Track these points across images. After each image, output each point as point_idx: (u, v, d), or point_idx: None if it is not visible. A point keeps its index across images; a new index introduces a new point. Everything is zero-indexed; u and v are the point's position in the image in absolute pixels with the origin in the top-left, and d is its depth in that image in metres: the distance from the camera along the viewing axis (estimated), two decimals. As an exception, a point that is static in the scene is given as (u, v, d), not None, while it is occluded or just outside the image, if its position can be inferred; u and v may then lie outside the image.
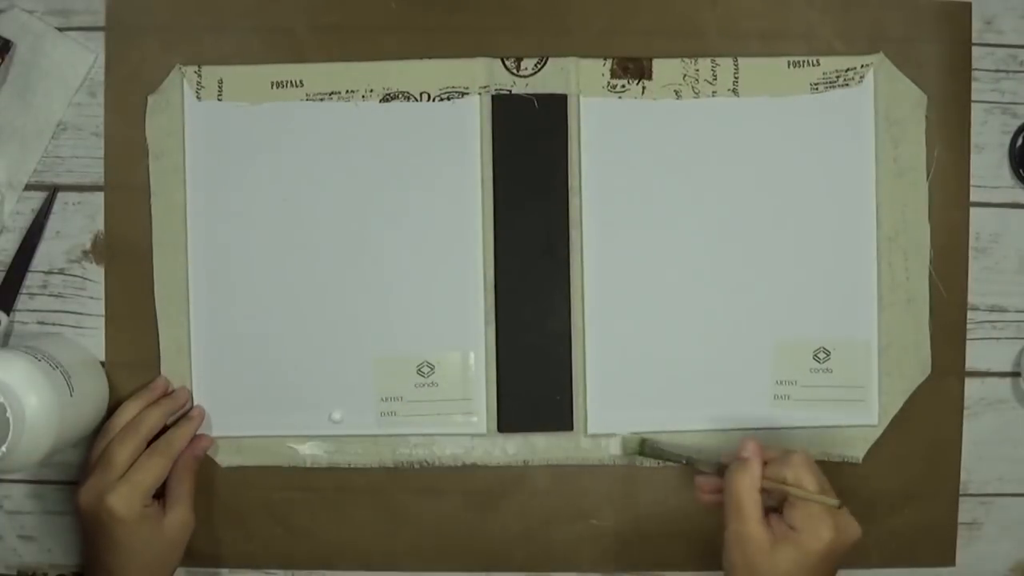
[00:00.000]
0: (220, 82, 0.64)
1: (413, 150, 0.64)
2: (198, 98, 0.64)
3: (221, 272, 0.65)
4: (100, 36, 0.64)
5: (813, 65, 0.64)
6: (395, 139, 0.64)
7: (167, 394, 0.64)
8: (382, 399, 0.65)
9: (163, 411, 0.63)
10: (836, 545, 0.54)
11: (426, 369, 0.65)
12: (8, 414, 0.55)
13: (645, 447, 0.63)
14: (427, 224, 0.64)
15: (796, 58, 0.64)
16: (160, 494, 0.61)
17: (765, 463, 0.56)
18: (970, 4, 0.65)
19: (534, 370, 0.64)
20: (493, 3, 0.64)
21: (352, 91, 0.64)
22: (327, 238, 0.64)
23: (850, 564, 0.65)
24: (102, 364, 0.65)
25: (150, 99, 0.64)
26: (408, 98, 0.64)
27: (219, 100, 0.64)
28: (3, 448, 0.55)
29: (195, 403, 0.65)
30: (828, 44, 0.64)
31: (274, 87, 0.64)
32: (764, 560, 0.54)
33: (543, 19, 0.64)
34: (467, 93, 0.64)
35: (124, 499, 0.58)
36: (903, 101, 0.64)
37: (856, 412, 0.64)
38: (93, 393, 0.63)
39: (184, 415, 0.64)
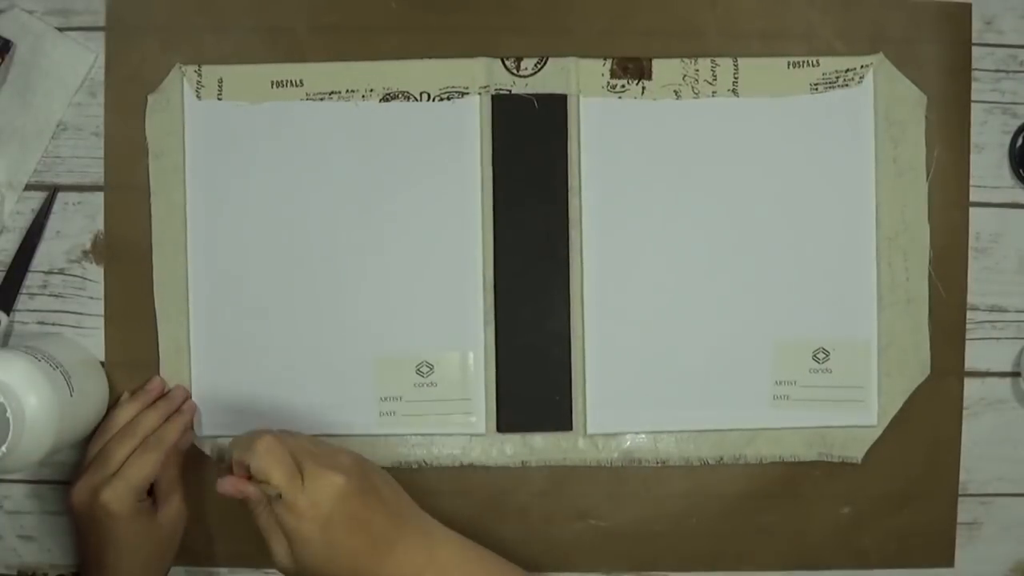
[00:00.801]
0: (220, 81, 0.64)
1: (413, 150, 0.64)
2: (198, 97, 0.64)
3: (221, 271, 0.65)
4: (100, 36, 0.64)
5: (813, 65, 0.64)
6: (395, 139, 0.64)
7: (163, 394, 0.64)
8: (381, 399, 0.65)
9: (160, 414, 0.63)
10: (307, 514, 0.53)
11: (425, 369, 0.65)
12: (8, 414, 0.55)
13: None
14: (426, 224, 0.64)
15: (796, 58, 0.64)
16: (151, 490, 0.61)
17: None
18: (970, 4, 0.64)
19: (533, 370, 0.64)
20: (493, 3, 0.64)
21: (352, 91, 0.64)
22: (327, 238, 0.64)
23: (848, 565, 0.65)
24: (102, 364, 0.65)
25: (150, 98, 0.64)
26: (408, 98, 0.64)
27: (219, 99, 0.64)
28: (3, 448, 0.55)
29: (208, 413, 0.65)
30: (828, 44, 0.64)
31: (274, 86, 0.64)
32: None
33: (543, 19, 0.64)
34: (467, 93, 0.64)
35: (118, 495, 0.58)
36: (903, 101, 0.64)
37: (855, 412, 0.64)
38: (93, 393, 0.63)
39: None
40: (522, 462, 0.65)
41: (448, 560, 0.56)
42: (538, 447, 0.65)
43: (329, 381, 0.65)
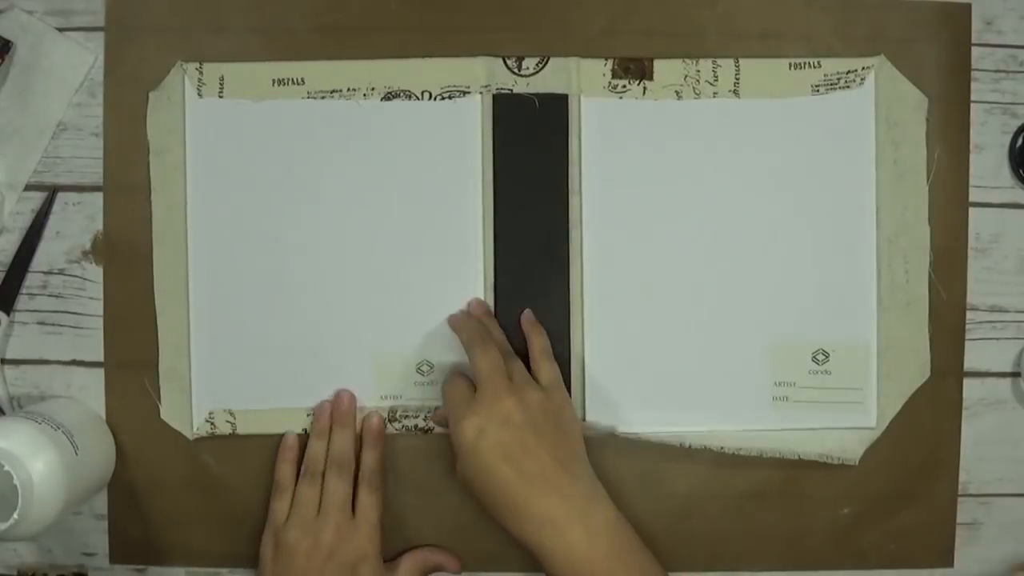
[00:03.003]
0: (221, 79, 0.64)
1: (414, 149, 0.64)
2: (199, 95, 0.64)
3: (221, 268, 0.64)
4: (100, 36, 0.64)
5: (814, 67, 0.64)
6: (396, 137, 0.64)
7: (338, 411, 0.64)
8: (382, 397, 0.65)
9: (348, 435, 0.63)
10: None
11: (426, 368, 0.65)
12: (15, 481, 0.55)
13: None
14: (427, 223, 0.64)
15: (797, 60, 0.64)
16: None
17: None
18: (970, 4, 0.64)
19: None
20: (493, 3, 0.64)
21: (353, 89, 0.64)
22: (327, 236, 0.64)
23: (848, 565, 0.65)
24: (104, 419, 0.65)
25: (151, 95, 0.64)
26: (409, 97, 0.64)
27: (220, 97, 0.64)
28: (14, 516, 0.55)
29: (196, 399, 0.64)
30: (828, 45, 0.64)
31: (275, 84, 0.64)
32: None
33: (543, 19, 0.64)
34: (468, 92, 0.64)
35: (372, 540, 0.61)
36: (904, 103, 0.64)
37: (854, 415, 0.64)
38: (98, 449, 0.63)
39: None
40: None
41: (599, 526, 0.56)
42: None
43: (329, 378, 0.64)
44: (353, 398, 0.64)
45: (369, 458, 0.63)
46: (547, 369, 0.61)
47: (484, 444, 0.56)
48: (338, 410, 0.64)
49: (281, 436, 0.65)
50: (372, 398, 0.65)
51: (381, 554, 0.62)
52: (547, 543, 0.55)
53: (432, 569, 0.64)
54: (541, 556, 0.55)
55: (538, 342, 0.62)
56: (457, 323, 0.63)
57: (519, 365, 0.60)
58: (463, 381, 0.60)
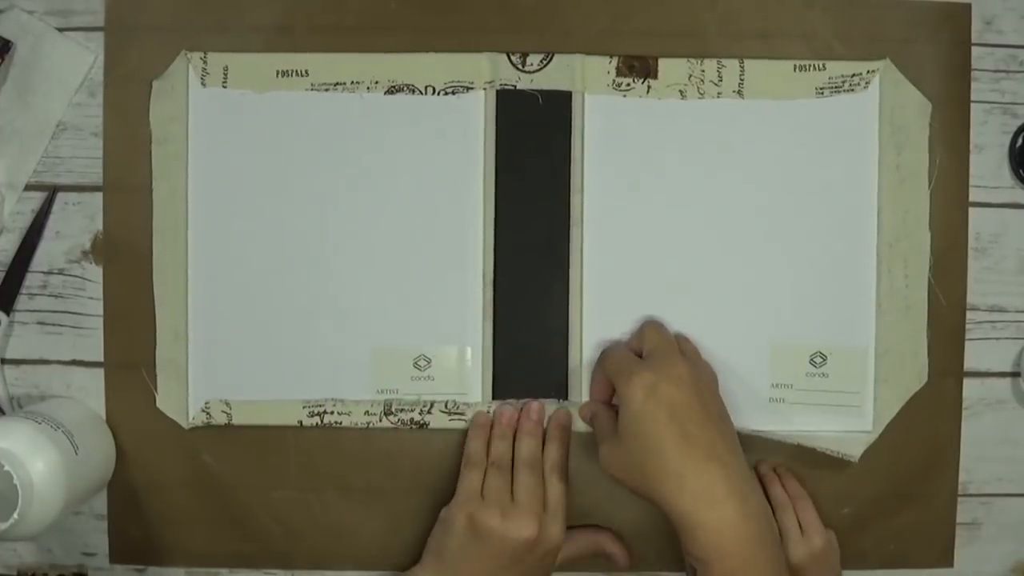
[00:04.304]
0: (225, 69, 0.64)
1: (416, 143, 0.64)
2: (203, 84, 0.64)
3: (221, 259, 0.64)
4: (100, 36, 0.64)
5: (819, 69, 0.64)
6: (399, 132, 0.64)
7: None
8: (378, 391, 0.65)
9: (537, 443, 0.63)
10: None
11: (423, 362, 0.65)
12: (16, 481, 0.55)
13: None
14: (428, 218, 0.64)
15: (802, 62, 0.64)
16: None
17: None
18: (970, 4, 0.64)
19: (530, 367, 0.64)
20: (492, 3, 0.64)
21: (357, 82, 0.64)
22: (327, 228, 0.64)
23: (848, 565, 0.65)
24: (104, 419, 0.65)
25: (154, 84, 0.64)
26: (413, 91, 0.64)
27: (224, 87, 0.64)
28: (14, 516, 0.55)
29: (192, 387, 0.65)
30: (828, 45, 0.64)
31: (279, 76, 0.64)
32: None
33: (542, 19, 0.64)
34: (472, 88, 0.64)
35: (558, 530, 0.60)
36: (908, 108, 0.64)
37: (850, 418, 0.64)
38: (98, 449, 0.63)
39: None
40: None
41: (755, 510, 0.55)
42: (537, 446, 0.65)
43: (326, 371, 0.64)
44: (543, 409, 0.64)
45: (554, 451, 0.62)
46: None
47: (653, 401, 0.55)
48: (527, 419, 0.63)
49: (279, 431, 0.65)
50: (369, 391, 0.65)
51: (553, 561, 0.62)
52: (700, 513, 0.54)
53: (599, 553, 0.64)
54: (687, 525, 0.54)
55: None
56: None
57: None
58: (625, 348, 0.60)
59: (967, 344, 0.65)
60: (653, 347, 0.60)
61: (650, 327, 0.62)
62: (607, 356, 0.61)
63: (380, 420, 0.64)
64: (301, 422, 0.65)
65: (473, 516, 0.60)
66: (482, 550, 0.59)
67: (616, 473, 0.58)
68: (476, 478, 0.61)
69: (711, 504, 0.54)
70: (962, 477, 0.65)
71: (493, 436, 0.63)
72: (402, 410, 0.64)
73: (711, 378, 0.61)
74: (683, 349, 0.61)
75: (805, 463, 0.65)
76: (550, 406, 0.64)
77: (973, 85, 0.65)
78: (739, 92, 0.64)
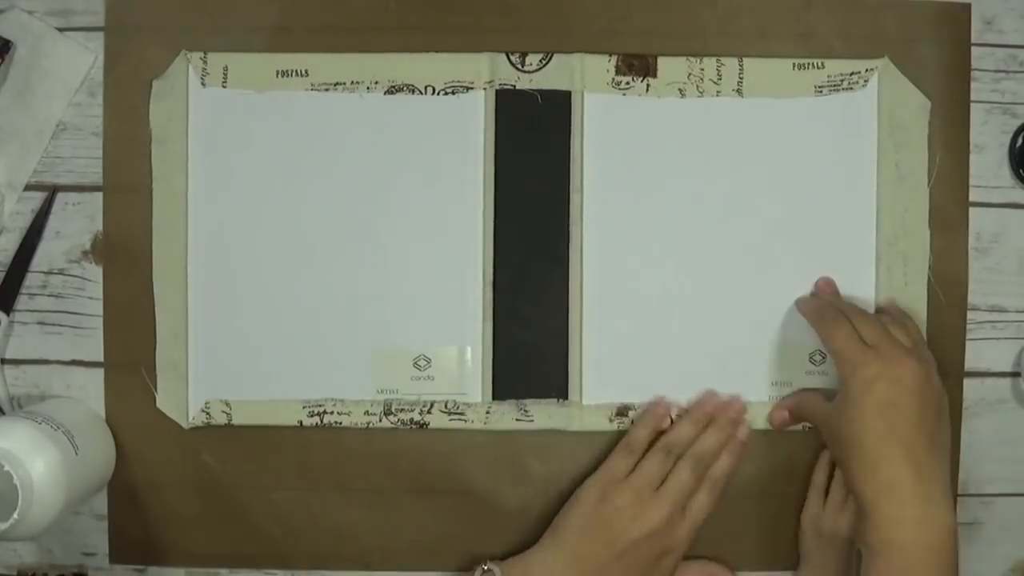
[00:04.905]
0: (225, 69, 0.64)
1: (416, 143, 0.64)
2: (203, 84, 0.64)
3: (220, 259, 0.64)
4: (100, 36, 0.64)
5: (818, 68, 0.64)
6: (398, 131, 0.64)
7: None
8: (378, 391, 0.65)
9: (722, 439, 0.62)
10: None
11: (423, 362, 0.65)
12: (15, 481, 0.55)
13: None
14: (428, 218, 0.64)
15: (801, 60, 0.64)
16: None
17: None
18: (970, 4, 0.64)
19: (530, 367, 0.64)
20: (492, 4, 0.64)
21: (357, 82, 0.64)
22: (327, 228, 0.64)
23: (850, 565, 0.65)
24: (104, 419, 0.65)
25: (155, 83, 0.64)
26: (412, 91, 0.64)
27: (224, 87, 0.64)
28: (14, 516, 0.55)
29: (192, 387, 0.64)
30: (827, 44, 0.64)
31: (279, 76, 0.64)
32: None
33: (541, 19, 0.64)
34: (471, 87, 0.64)
35: (685, 533, 0.60)
36: (907, 106, 0.64)
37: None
38: (98, 449, 0.63)
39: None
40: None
41: (934, 515, 0.55)
42: (537, 446, 0.65)
43: (326, 371, 0.64)
44: (743, 408, 0.63)
45: (724, 463, 0.62)
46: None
47: (870, 396, 0.56)
48: (724, 414, 0.63)
49: (279, 431, 0.65)
50: (369, 391, 0.65)
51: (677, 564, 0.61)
52: (881, 505, 0.55)
53: None
54: (868, 512, 0.55)
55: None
56: (812, 305, 0.62)
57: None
58: (849, 324, 0.59)
59: (967, 344, 0.65)
60: (879, 337, 0.58)
61: (898, 311, 0.61)
62: (829, 327, 0.59)
63: (380, 420, 0.64)
64: (301, 422, 0.65)
65: (606, 492, 0.59)
66: (603, 532, 0.58)
67: (827, 438, 0.60)
68: (625, 463, 0.61)
69: (894, 499, 0.55)
70: (962, 477, 0.65)
71: (685, 419, 0.62)
72: (402, 410, 0.64)
73: (940, 380, 0.59)
74: (909, 332, 0.60)
75: (806, 463, 0.65)
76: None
77: (973, 85, 0.65)
78: (738, 91, 0.64)
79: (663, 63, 0.64)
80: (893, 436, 0.55)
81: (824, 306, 0.61)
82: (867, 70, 0.64)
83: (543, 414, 0.64)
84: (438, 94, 0.64)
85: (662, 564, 0.60)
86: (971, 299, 0.65)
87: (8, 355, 0.65)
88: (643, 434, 0.62)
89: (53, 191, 0.65)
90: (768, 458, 0.65)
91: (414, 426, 0.65)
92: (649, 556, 0.59)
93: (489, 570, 0.59)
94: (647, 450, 0.62)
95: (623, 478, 0.60)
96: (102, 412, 0.65)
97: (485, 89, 0.64)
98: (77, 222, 0.65)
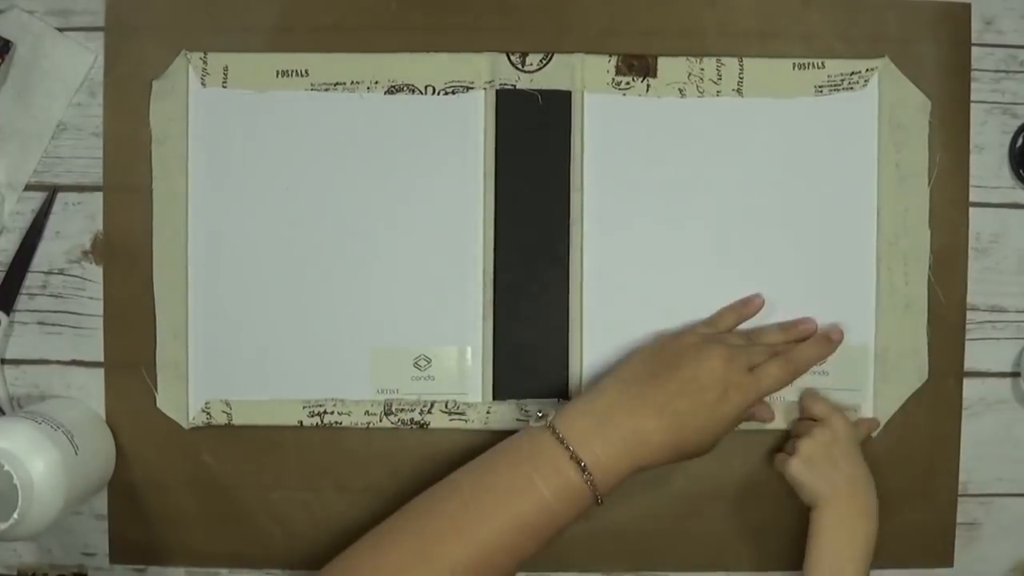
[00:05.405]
0: (225, 69, 0.64)
1: (416, 143, 0.64)
2: (203, 84, 0.64)
3: (221, 259, 0.65)
4: (100, 36, 0.64)
5: (818, 67, 0.64)
6: (399, 131, 0.64)
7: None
8: (378, 391, 0.65)
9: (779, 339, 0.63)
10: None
11: (423, 362, 0.65)
12: (15, 481, 0.55)
13: None
14: (428, 217, 0.64)
15: (801, 60, 0.64)
16: None
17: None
18: (970, 4, 0.64)
19: (530, 367, 0.64)
20: (492, 4, 0.64)
21: (357, 82, 0.64)
22: (328, 228, 0.64)
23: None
24: (103, 419, 0.65)
25: (155, 84, 0.64)
26: (413, 91, 0.64)
27: (224, 87, 0.64)
28: (14, 516, 0.55)
29: (193, 387, 0.64)
30: (828, 45, 0.64)
31: (279, 76, 0.64)
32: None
33: (542, 19, 0.64)
34: (472, 87, 0.64)
35: (750, 392, 0.59)
36: (907, 106, 0.64)
37: (850, 416, 0.64)
38: (98, 449, 0.63)
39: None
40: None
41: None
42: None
43: (326, 371, 0.65)
44: (842, 338, 0.63)
45: (807, 349, 0.61)
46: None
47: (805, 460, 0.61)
48: (796, 328, 0.63)
49: (279, 431, 0.65)
50: (369, 391, 0.65)
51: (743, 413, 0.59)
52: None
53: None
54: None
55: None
56: None
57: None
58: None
59: (967, 344, 0.65)
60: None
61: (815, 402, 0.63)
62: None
63: (380, 420, 0.64)
64: (301, 422, 0.65)
65: (680, 334, 0.60)
66: (667, 369, 0.58)
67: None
68: (703, 329, 0.62)
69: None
70: (962, 477, 0.65)
71: (778, 325, 0.63)
72: (402, 410, 0.64)
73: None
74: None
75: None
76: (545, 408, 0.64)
77: (973, 85, 0.65)
78: (738, 91, 0.64)
79: (663, 63, 0.64)
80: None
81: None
82: (867, 70, 0.64)
83: (543, 414, 0.64)
84: (438, 94, 0.64)
85: (727, 401, 0.58)
86: (971, 299, 0.65)
87: (8, 355, 0.65)
88: (729, 317, 0.63)
89: (53, 191, 0.65)
90: (756, 459, 0.65)
91: (414, 426, 0.65)
92: (714, 391, 0.57)
93: (544, 414, 0.58)
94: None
95: (699, 332, 0.61)
96: (102, 412, 0.65)
97: (485, 89, 0.64)
98: (77, 222, 0.65)
